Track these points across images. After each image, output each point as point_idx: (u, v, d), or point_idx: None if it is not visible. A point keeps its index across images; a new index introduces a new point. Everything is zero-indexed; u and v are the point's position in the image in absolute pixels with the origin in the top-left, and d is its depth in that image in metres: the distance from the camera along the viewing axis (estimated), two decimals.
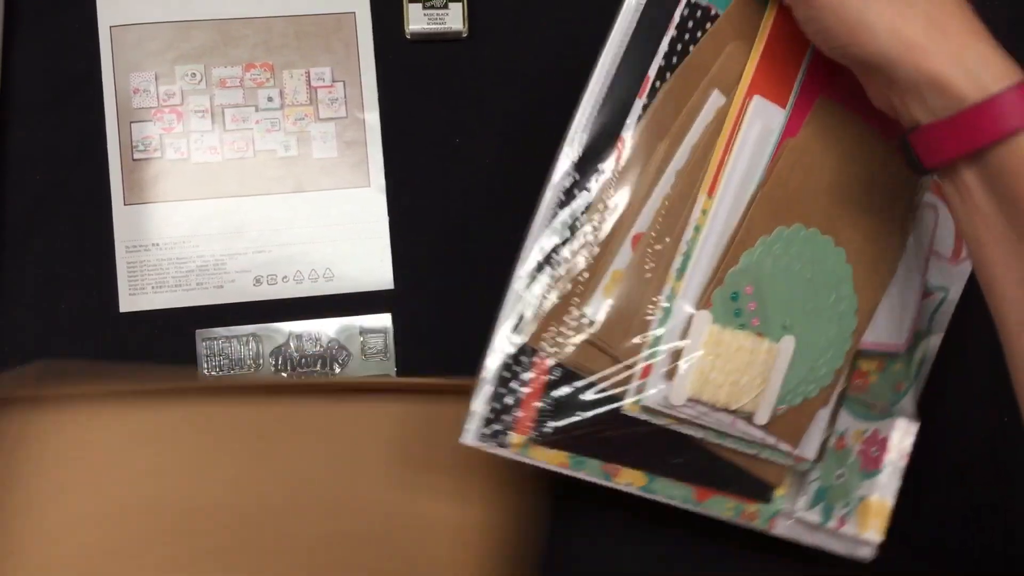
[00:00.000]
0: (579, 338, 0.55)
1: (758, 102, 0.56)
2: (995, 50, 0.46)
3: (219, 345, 0.69)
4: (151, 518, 0.58)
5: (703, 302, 0.56)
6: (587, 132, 0.55)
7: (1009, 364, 0.48)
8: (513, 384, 0.55)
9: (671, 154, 0.55)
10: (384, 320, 0.70)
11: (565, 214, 0.55)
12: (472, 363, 0.69)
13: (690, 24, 0.55)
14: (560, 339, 0.55)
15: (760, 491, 0.62)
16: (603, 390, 0.55)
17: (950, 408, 0.69)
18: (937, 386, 0.68)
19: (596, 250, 0.55)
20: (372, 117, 0.70)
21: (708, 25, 0.55)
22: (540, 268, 0.55)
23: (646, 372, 0.55)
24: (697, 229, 0.56)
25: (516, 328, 0.55)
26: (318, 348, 0.69)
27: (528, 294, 0.55)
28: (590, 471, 0.57)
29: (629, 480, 0.58)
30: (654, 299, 0.55)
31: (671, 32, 0.55)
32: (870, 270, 0.59)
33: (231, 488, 0.59)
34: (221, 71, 0.69)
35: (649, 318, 0.55)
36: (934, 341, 0.66)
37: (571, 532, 0.70)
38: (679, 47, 0.55)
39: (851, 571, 0.68)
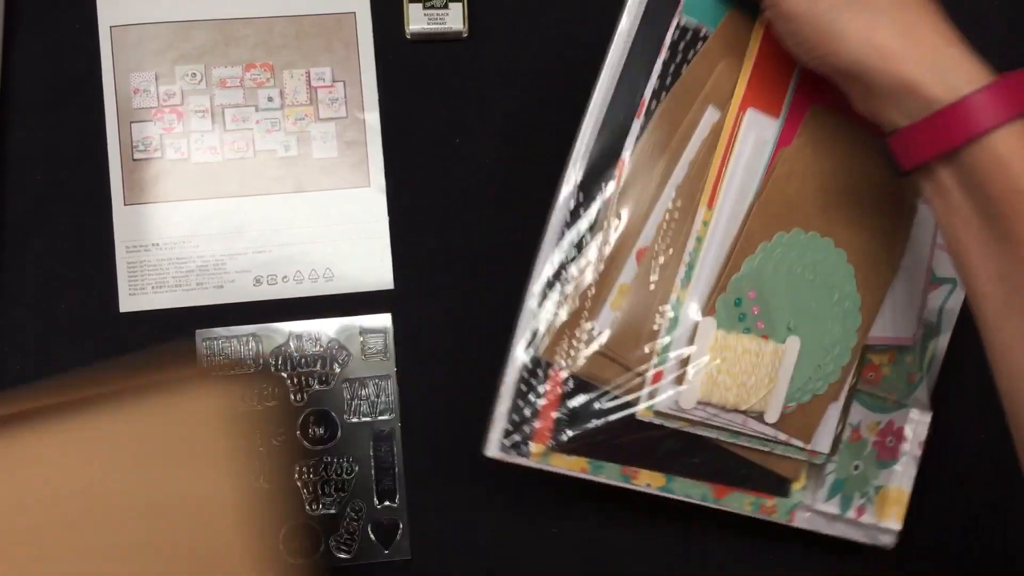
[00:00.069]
0: (590, 350, 0.58)
1: (751, 115, 0.58)
2: (965, 53, 0.47)
3: (219, 345, 0.69)
4: None
5: (708, 309, 0.58)
6: (588, 154, 0.57)
7: (989, 357, 0.50)
8: (530, 396, 0.58)
9: (670, 170, 0.57)
10: (384, 320, 0.70)
11: (572, 233, 0.57)
12: (471, 363, 0.69)
13: (681, 45, 0.57)
14: (572, 352, 0.58)
15: (778, 485, 0.63)
16: (616, 398, 0.58)
17: (952, 408, 0.69)
18: (940, 387, 0.68)
19: (602, 266, 0.57)
20: (372, 117, 0.70)
21: (699, 45, 0.58)
22: (550, 285, 0.58)
23: (657, 378, 0.58)
24: (699, 240, 0.58)
25: (530, 343, 0.58)
26: (318, 348, 0.69)
27: (540, 311, 0.58)
28: (609, 475, 0.60)
29: (648, 481, 0.61)
30: (661, 309, 0.58)
31: (663, 54, 0.57)
32: (873, 268, 0.61)
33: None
34: (221, 71, 0.69)
35: (657, 327, 0.58)
36: (943, 340, 0.67)
37: (591, 527, 0.70)
38: (672, 68, 0.57)
39: (850, 572, 0.69)
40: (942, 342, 0.67)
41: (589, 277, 0.57)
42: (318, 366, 0.69)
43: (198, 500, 0.52)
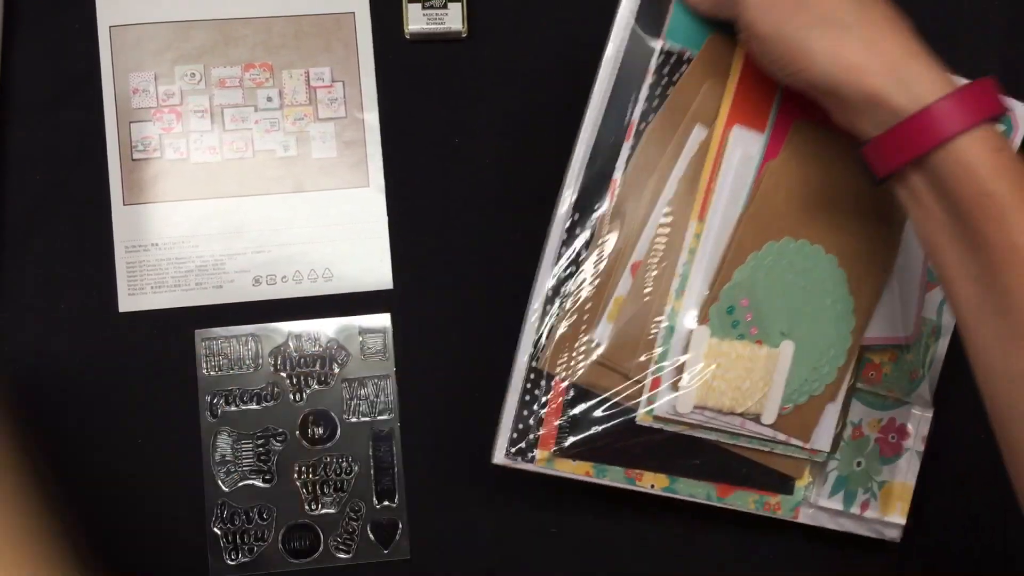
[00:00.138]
0: (589, 361, 0.61)
1: (738, 131, 0.60)
2: (929, 65, 0.49)
3: (218, 345, 0.69)
4: None
5: (701, 318, 0.60)
6: (582, 176, 0.60)
7: (968, 356, 0.51)
8: (534, 406, 0.61)
9: (661, 187, 0.60)
10: (383, 320, 0.70)
11: (569, 250, 0.61)
12: (471, 363, 0.69)
13: (666, 69, 0.60)
14: (572, 363, 0.61)
15: (781, 483, 0.65)
16: (617, 405, 0.61)
17: (953, 407, 0.69)
18: (942, 385, 0.68)
19: (598, 280, 0.60)
20: (371, 117, 0.70)
21: (683, 68, 0.60)
22: (550, 301, 0.61)
23: (655, 385, 0.61)
24: (691, 252, 0.61)
25: (532, 356, 0.61)
26: (317, 348, 0.69)
27: (541, 325, 0.61)
28: (614, 477, 0.63)
29: (652, 482, 0.63)
30: (656, 319, 0.61)
31: (649, 78, 0.60)
32: (865, 271, 0.62)
33: None
34: (220, 71, 0.69)
35: (653, 337, 0.61)
36: (944, 338, 0.68)
37: (599, 526, 0.70)
38: (658, 90, 0.60)
39: (854, 571, 0.69)
40: (943, 340, 0.68)
41: (586, 291, 0.60)
42: (317, 366, 0.69)
43: None
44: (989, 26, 0.73)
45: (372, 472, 0.69)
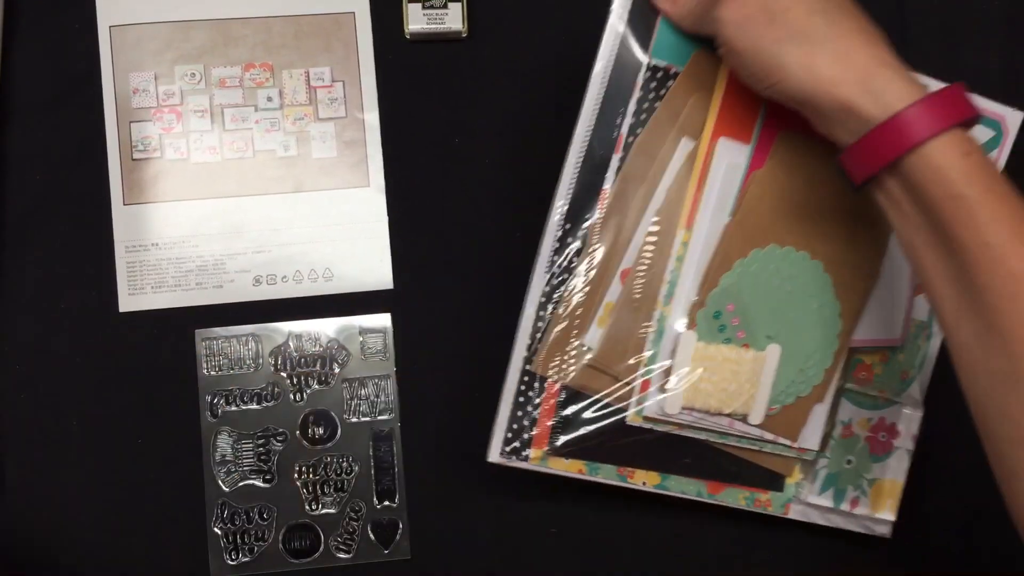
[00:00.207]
0: (580, 364, 0.63)
1: (724, 143, 0.62)
2: (898, 74, 0.51)
3: (219, 345, 0.69)
4: None
5: (689, 323, 0.62)
6: (573, 187, 0.62)
7: (950, 355, 0.52)
8: (528, 407, 0.63)
9: (649, 197, 0.62)
10: (383, 320, 0.70)
11: (561, 258, 0.63)
12: (471, 363, 0.69)
13: (652, 84, 0.62)
14: (564, 366, 0.63)
15: (771, 481, 0.67)
16: (608, 406, 0.63)
17: (947, 407, 0.68)
18: (934, 385, 0.68)
19: (589, 287, 0.62)
20: (372, 117, 0.70)
21: (669, 83, 0.62)
22: (543, 307, 0.63)
23: (645, 387, 0.63)
24: (679, 259, 0.62)
25: (526, 359, 0.63)
26: (317, 348, 0.69)
27: (534, 329, 0.63)
28: (606, 475, 0.64)
29: (644, 480, 0.65)
30: (645, 324, 0.63)
31: (637, 93, 0.62)
32: (851, 276, 0.64)
33: None
34: (220, 71, 0.69)
35: (643, 340, 0.63)
36: (935, 338, 0.69)
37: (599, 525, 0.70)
38: (645, 105, 0.62)
39: (851, 572, 0.69)
40: (934, 341, 0.69)
41: (577, 297, 0.62)
42: (317, 366, 0.69)
43: None
44: (989, 26, 0.73)
45: (372, 472, 0.69)
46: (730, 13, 0.54)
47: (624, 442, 0.63)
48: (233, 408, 0.69)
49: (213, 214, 0.69)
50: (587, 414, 0.63)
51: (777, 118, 0.62)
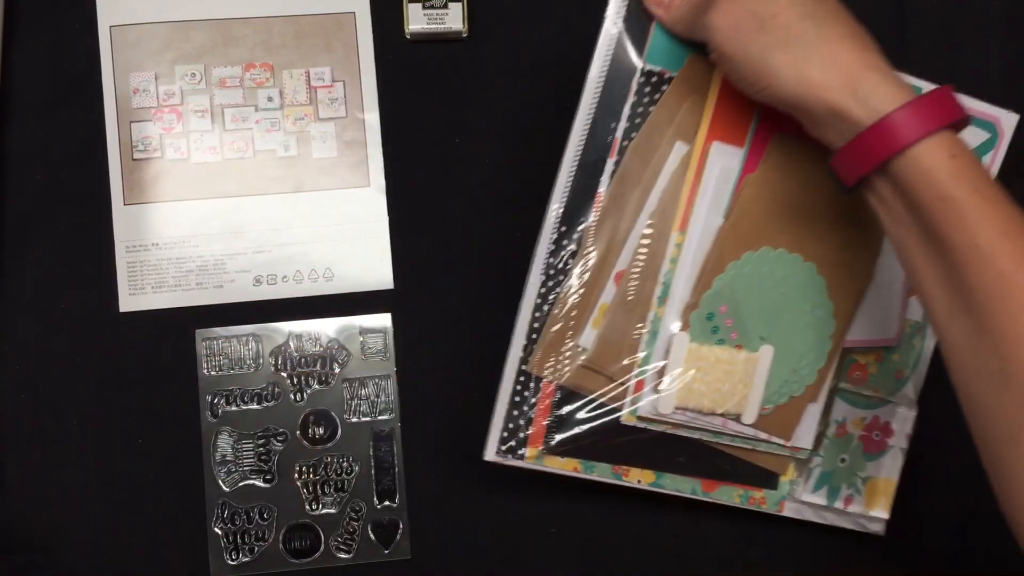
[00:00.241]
0: (575, 364, 0.63)
1: (717, 147, 0.63)
2: (886, 77, 0.51)
3: (219, 345, 0.69)
4: None
5: (683, 324, 0.63)
6: (568, 191, 0.63)
7: (942, 355, 0.53)
8: (524, 407, 0.64)
9: (643, 200, 0.63)
10: (384, 320, 0.70)
11: (556, 261, 0.63)
12: (471, 363, 0.69)
13: (647, 89, 0.63)
14: (559, 366, 0.63)
15: (765, 479, 0.67)
16: (602, 406, 0.64)
17: (943, 408, 0.69)
18: (930, 385, 0.69)
19: (584, 289, 0.63)
20: (372, 117, 0.70)
21: (664, 88, 0.63)
22: (538, 308, 0.63)
23: (639, 387, 0.63)
24: (673, 261, 0.63)
25: (522, 360, 0.63)
26: (318, 348, 0.69)
27: (530, 330, 0.63)
28: (601, 473, 0.65)
29: (639, 478, 0.66)
30: (639, 325, 0.63)
31: (631, 98, 0.63)
32: (845, 277, 0.65)
33: None
34: (221, 71, 0.69)
35: (637, 341, 0.63)
36: (930, 338, 0.69)
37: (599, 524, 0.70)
38: (640, 109, 0.63)
39: (849, 570, 0.69)
40: (929, 341, 0.69)
41: (572, 299, 0.63)
42: (318, 366, 0.69)
43: None
44: (989, 26, 0.73)
45: (373, 472, 0.69)
46: (720, 19, 0.55)
47: (619, 441, 0.64)
48: (233, 408, 0.69)
49: (213, 214, 0.69)
50: (582, 414, 0.64)
51: (770, 122, 0.62)
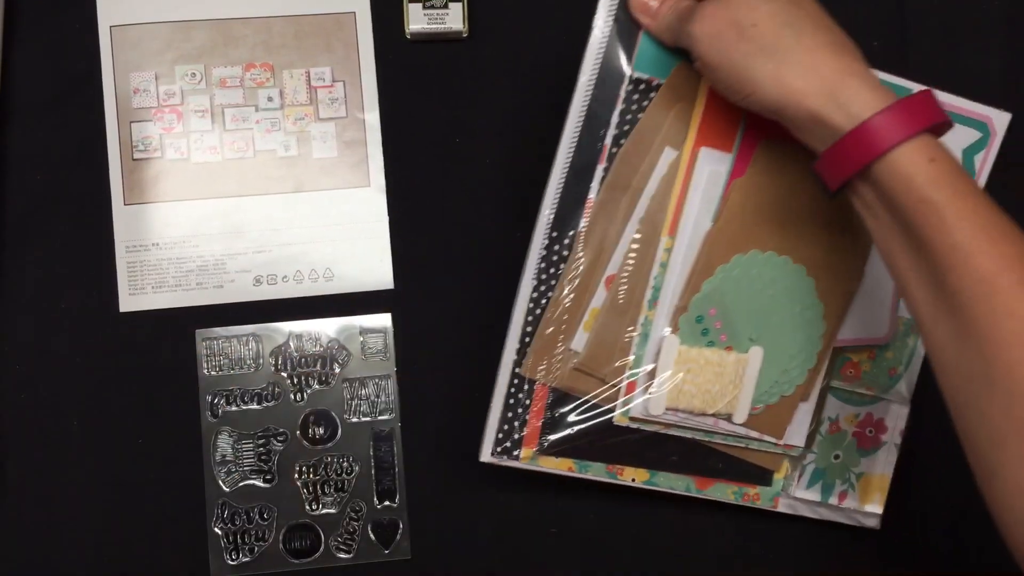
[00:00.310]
0: (567, 367, 0.64)
1: (705, 152, 0.63)
2: (865, 83, 0.52)
3: (219, 345, 0.69)
4: None
5: (672, 327, 0.64)
6: (559, 197, 0.63)
7: (928, 356, 0.53)
8: (518, 409, 0.64)
9: (633, 205, 0.64)
10: (384, 320, 0.70)
11: (547, 266, 0.64)
12: (471, 363, 0.69)
13: (635, 96, 0.63)
14: (552, 369, 0.64)
15: (759, 475, 0.68)
16: (595, 407, 0.64)
17: (936, 405, 0.68)
18: (925, 383, 0.69)
19: (575, 293, 0.64)
20: (372, 117, 0.70)
21: (652, 95, 0.63)
22: (531, 312, 0.64)
23: (630, 389, 0.64)
24: (662, 265, 0.64)
25: (516, 363, 0.64)
26: (318, 348, 0.69)
27: (523, 334, 0.64)
28: (595, 472, 0.66)
29: (633, 476, 0.67)
30: (631, 328, 0.64)
31: (620, 106, 0.63)
32: (834, 278, 0.65)
33: None
34: (221, 71, 0.69)
35: (628, 344, 0.64)
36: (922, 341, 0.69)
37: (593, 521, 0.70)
38: (629, 116, 0.63)
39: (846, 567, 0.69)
40: (920, 349, 0.69)
41: (564, 303, 0.64)
42: (318, 366, 0.69)
43: None
44: (989, 26, 0.73)
45: (373, 472, 0.69)
46: (702, 29, 0.55)
47: (612, 441, 0.65)
48: (233, 408, 0.69)
49: (214, 214, 0.69)
50: (575, 415, 0.64)
51: (757, 128, 0.63)
